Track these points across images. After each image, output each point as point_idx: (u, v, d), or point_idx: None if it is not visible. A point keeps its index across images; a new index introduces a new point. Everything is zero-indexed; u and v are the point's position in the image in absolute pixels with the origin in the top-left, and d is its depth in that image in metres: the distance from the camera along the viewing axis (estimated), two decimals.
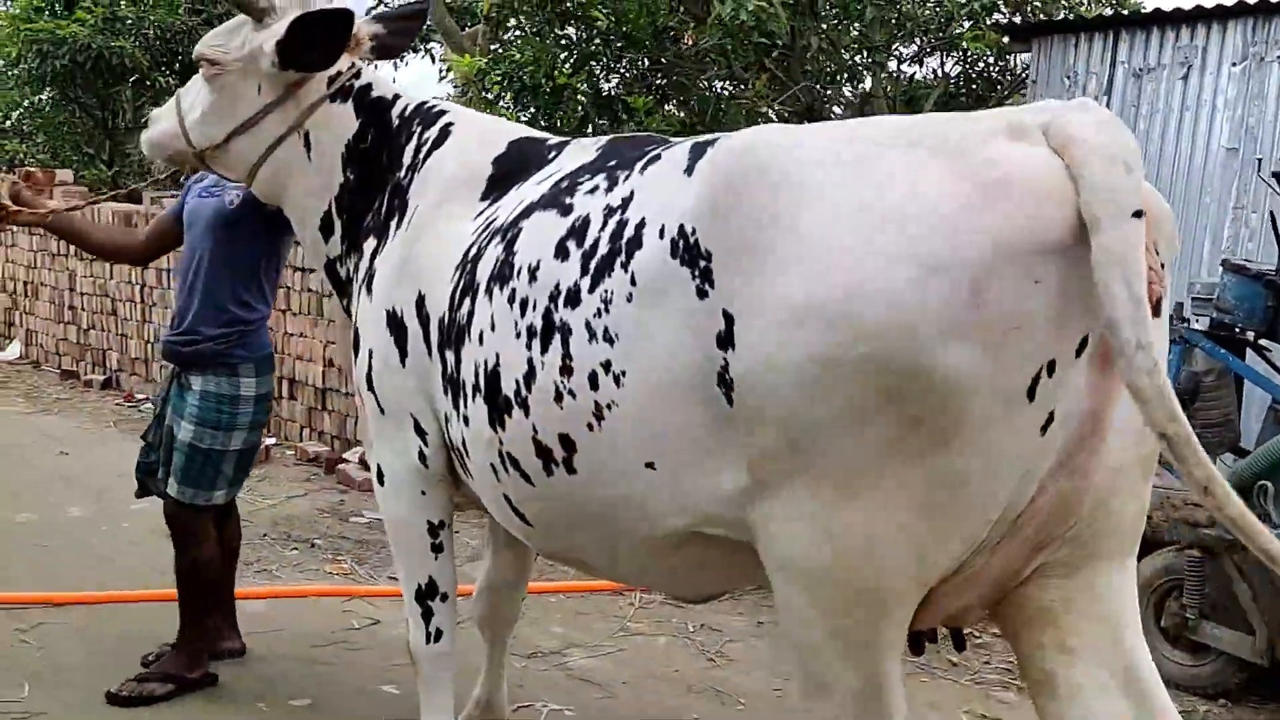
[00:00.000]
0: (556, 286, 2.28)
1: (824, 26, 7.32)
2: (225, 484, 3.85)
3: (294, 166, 3.11)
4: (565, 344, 2.23)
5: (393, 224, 2.91)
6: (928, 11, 8.73)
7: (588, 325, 2.20)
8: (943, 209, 1.80)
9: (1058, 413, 1.85)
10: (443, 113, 3.05)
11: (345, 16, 2.98)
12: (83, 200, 4.14)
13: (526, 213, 2.50)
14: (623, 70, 9.67)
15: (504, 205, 2.67)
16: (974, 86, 9.58)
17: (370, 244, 2.98)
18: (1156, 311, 1.85)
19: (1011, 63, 9.51)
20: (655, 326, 2.10)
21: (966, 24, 9.22)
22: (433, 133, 2.97)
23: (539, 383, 2.28)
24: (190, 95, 3.26)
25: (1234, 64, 6.18)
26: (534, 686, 4.15)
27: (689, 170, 2.17)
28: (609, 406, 2.17)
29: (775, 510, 2.01)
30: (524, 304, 2.33)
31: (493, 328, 2.41)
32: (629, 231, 2.20)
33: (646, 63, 9.76)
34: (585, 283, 2.23)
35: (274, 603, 4.92)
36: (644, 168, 2.32)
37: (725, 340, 1.99)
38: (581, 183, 2.44)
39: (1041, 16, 8.61)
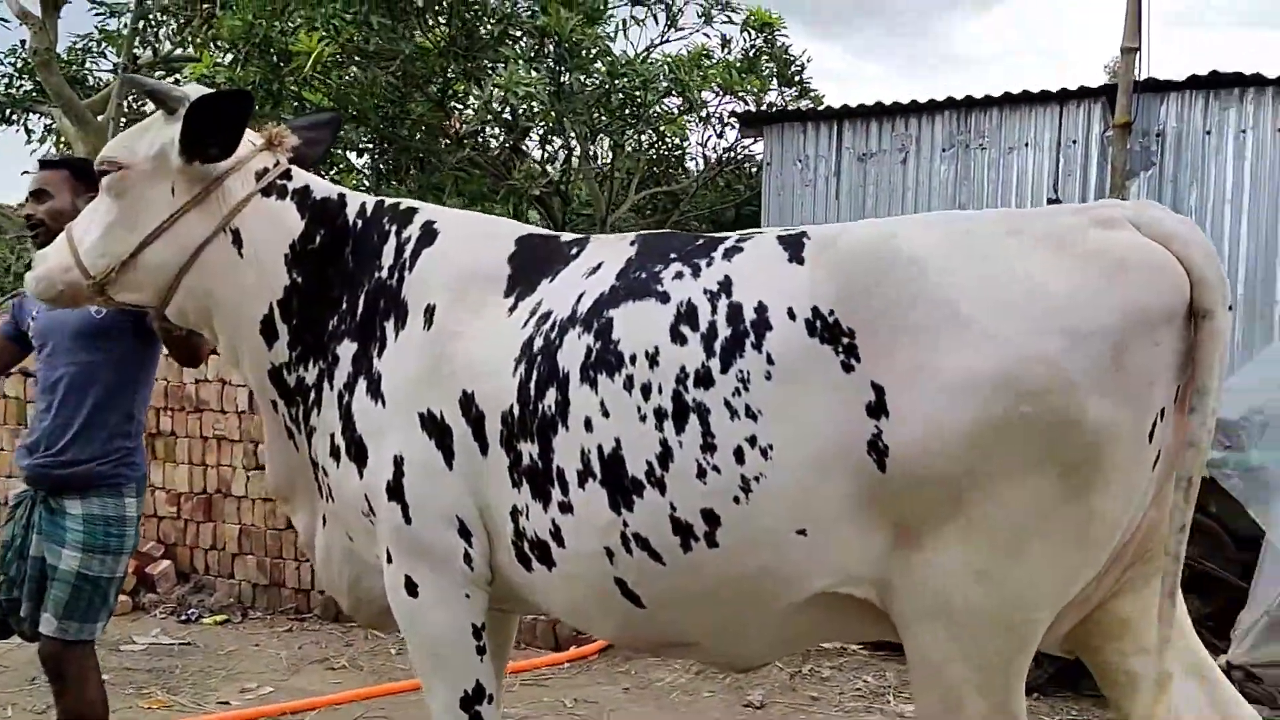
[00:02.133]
0: (682, 369, 2.34)
1: (580, 109, 7.64)
2: (107, 614, 3.50)
3: (224, 269, 2.88)
4: (704, 423, 2.30)
5: (387, 325, 2.79)
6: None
7: (727, 404, 2.28)
8: (1079, 287, 2.13)
9: (1161, 452, 2.22)
10: (414, 210, 2.96)
11: (242, 96, 2.84)
12: None
13: (609, 303, 2.53)
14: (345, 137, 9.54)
15: (549, 298, 2.65)
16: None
17: (348, 348, 2.82)
18: None
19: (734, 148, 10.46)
20: (800, 401, 2.23)
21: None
22: (413, 230, 2.88)
23: (677, 462, 2.32)
24: (82, 224, 2.97)
25: (944, 150, 7.22)
26: None
27: (796, 259, 2.36)
28: (756, 479, 2.28)
29: (925, 562, 2.20)
30: (645, 388, 2.38)
31: (605, 414, 2.43)
32: (749, 315, 2.31)
33: (367, 134, 9.70)
34: (715, 364, 2.31)
35: None
36: (727, 256, 2.45)
37: (876, 409, 2.18)
38: (659, 272, 2.51)
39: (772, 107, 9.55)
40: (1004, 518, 2.15)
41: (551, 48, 7.79)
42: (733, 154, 10.65)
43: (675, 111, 9.62)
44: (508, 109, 7.53)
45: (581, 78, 7.85)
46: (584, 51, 7.85)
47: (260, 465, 6.49)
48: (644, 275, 2.53)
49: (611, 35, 8.44)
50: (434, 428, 2.66)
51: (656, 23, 10.07)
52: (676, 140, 11.68)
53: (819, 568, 2.30)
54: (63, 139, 16.90)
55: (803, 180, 7.60)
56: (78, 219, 3.02)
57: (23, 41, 15.71)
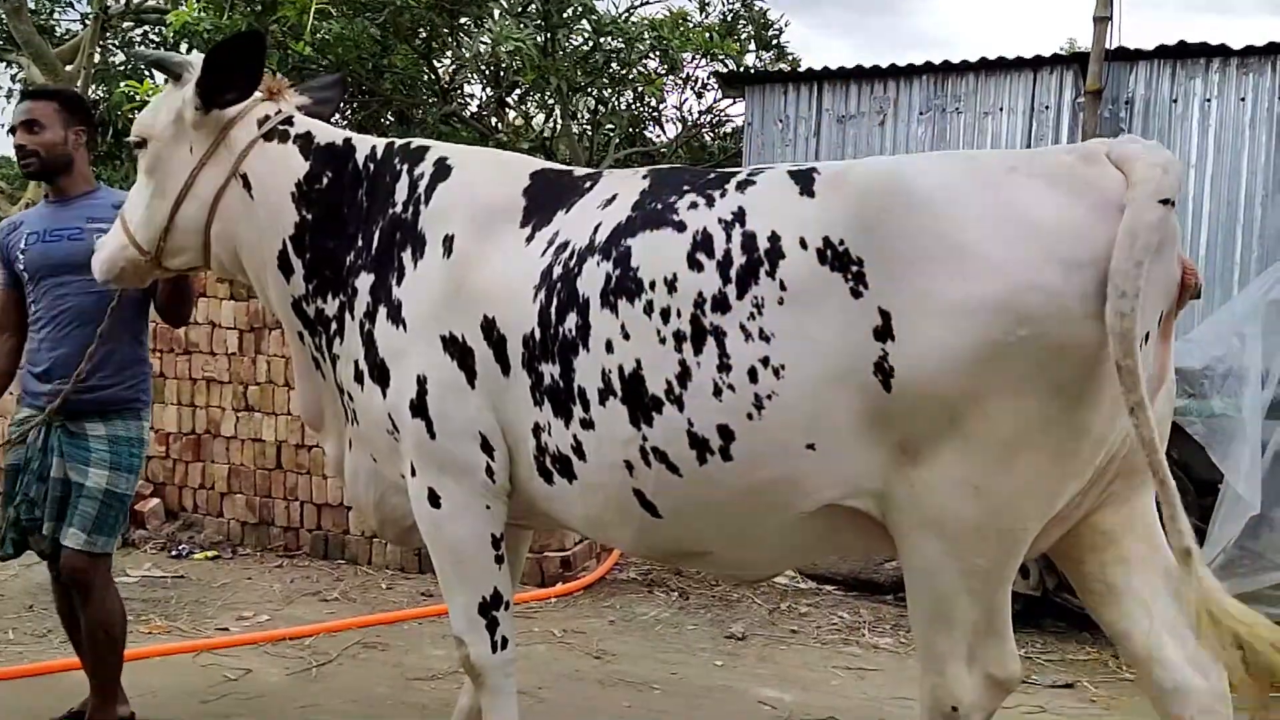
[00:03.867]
0: (700, 295, 2.47)
1: (563, 67, 7.70)
2: (119, 532, 3.66)
3: (239, 212, 3.08)
4: (720, 345, 2.44)
5: (405, 255, 2.92)
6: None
7: (742, 327, 2.42)
8: (1072, 220, 2.28)
9: (1143, 371, 2.38)
10: (426, 148, 3.09)
11: (255, 37, 3.00)
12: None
13: (626, 232, 2.65)
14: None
15: (566, 228, 2.77)
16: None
17: (365, 279, 2.97)
18: (1197, 295, 2.45)
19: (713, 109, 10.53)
20: (810, 325, 2.37)
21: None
22: (426, 167, 3.01)
23: (694, 381, 2.46)
24: (130, 204, 3.19)
25: (921, 113, 7.37)
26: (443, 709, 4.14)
27: (807, 192, 2.49)
28: (769, 397, 2.42)
29: (923, 476, 2.36)
30: (665, 312, 2.51)
31: (625, 336, 2.56)
32: (763, 243, 2.44)
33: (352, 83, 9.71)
34: (731, 290, 2.44)
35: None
36: (740, 188, 2.57)
37: (883, 333, 2.33)
38: (674, 202, 2.63)
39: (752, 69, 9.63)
40: (998, 434, 2.29)
41: (539, 4, 7.81)
42: (710, 115, 10.74)
43: (656, 73, 9.69)
44: (494, 64, 7.54)
45: (570, 36, 7.88)
46: (571, 9, 7.88)
47: (249, 406, 6.57)
48: (659, 206, 2.65)
49: None
50: (456, 349, 2.79)
51: None
52: (653, 102, 11.77)
53: (826, 481, 2.45)
54: (30, 87, 16.69)
55: (783, 140, 7.73)
56: (126, 202, 3.21)
57: None
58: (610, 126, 10.94)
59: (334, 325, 3.04)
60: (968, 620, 2.44)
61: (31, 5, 15.18)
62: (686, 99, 10.86)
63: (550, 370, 2.68)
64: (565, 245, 2.74)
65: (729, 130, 10.73)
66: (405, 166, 3.03)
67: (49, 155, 3.58)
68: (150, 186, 3.11)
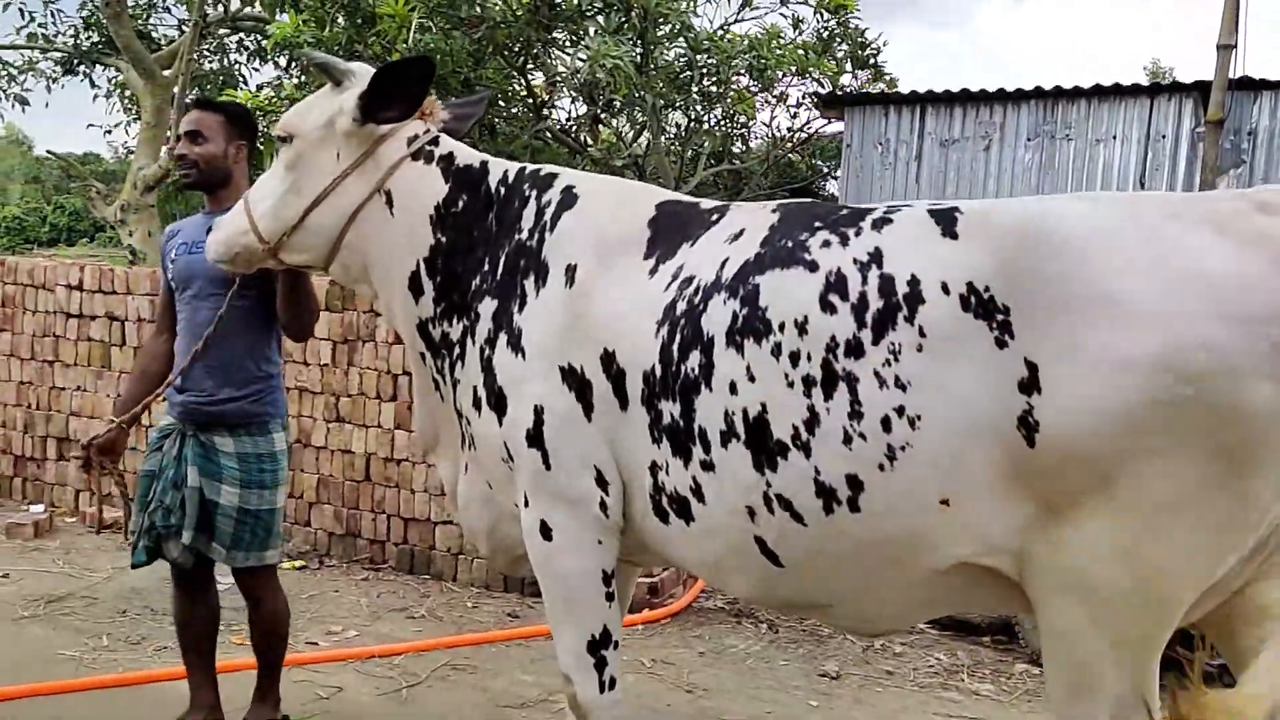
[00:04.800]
0: (832, 339, 2.42)
1: (657, 84, 7.70)
2: (277, 539, 3.76)
3: (377, 227, 3.10)
4: (853, 391, 2.38)
5: (528, 283, 2.92)
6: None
7: (876, 374, 2.36)
8: (1243, 272, 2.17)
9: None
10: (554, 175, 3.10)
11: (426, 62, 3.05)
12: (128, 414, 3.69)
13: (755, 270, 2.60)
14: None
15: (691, 263, 2.74)
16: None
17: (489, 304, 2.97)
18: None
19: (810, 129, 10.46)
20: (950, 374, 2.30)
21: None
22: (553, 195, 3.02)
23: (823, 428, 2.41)
24: (258, 190, 3.22)
25: (1028, 139, 7.21)
26: None
27: (949, 233, 2.41)
28: (903, 448, 2.35)
29: (1067, 536, 2.26)
30: (794, 356, 2.46)
31: (751, 378, 2.51)
32: (901, 287, 2.37)
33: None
34: (866, 335, 2.38)
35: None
36: (876, 227, 2.51)
37: (1029, 386, 2.24)
38: (805, 240, 2.58)
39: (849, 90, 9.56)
40: (1153, 497, 2.19)
41: (636, 20, 7.81)
42: (802, 134, 10.64)
43: (749, 91, 9.64)
44: (590, 81, 7.56)
45: (664, 52, 7.88)
46: (668, 26, 7.87)
47: (340, 418, 6.64)
48: (789, 243, 2.60)
49: (695, 11, 8.47)
50: (574, 381, 2.78)
51: (729, 2, 10.07)
52: (744, 119, 11.71)
53: (960, 537, 2.37)
54: (129, 92, 17.21)
55: (883, 163, 7.64)
56: (254, 187, 3.25)
57: None
58: (701, 143, 10.91)
59: (456, 349, 3.05)
60: (1112, 693, 2.33)
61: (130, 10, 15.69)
62: (776, 117, 10.82)
63: (670, 408, 2.65)
64: (690, 280, 2.71)
65: (819, 147, 10.63)
66: (534, 193, 3.04)
67: (208, 167, 3.66)
68: (286, 181, 3.13)
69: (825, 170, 12.54)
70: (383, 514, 6.51)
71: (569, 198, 3.00)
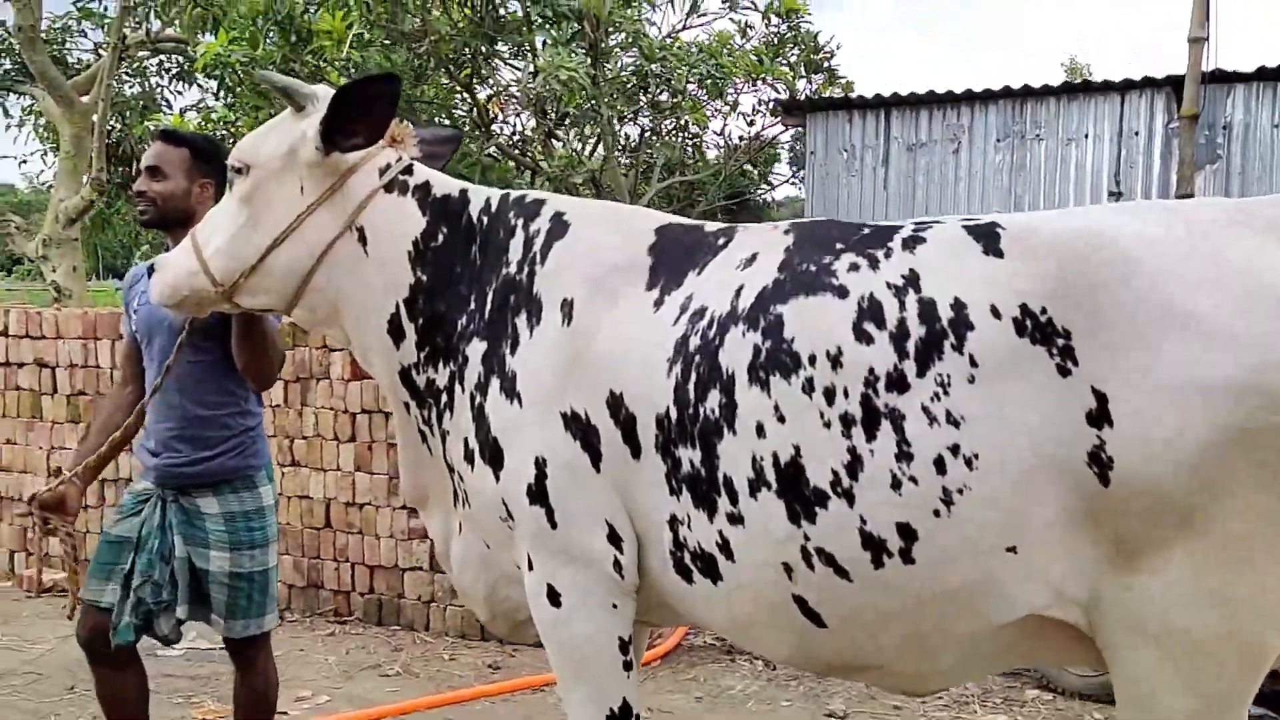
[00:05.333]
0: (871, 372, 2.23)
1: (611, 95, 7.50)
2: (272, 603, 3.55)
3: (350, 267, 2.85)
4: (898, 430, 2.19)
5: (519, 321, 2.71)
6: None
7: (924, 410, 2.17)
8: None
9: None
10: (541, 201, 2.88)
11: (390, 80, 2.80)
12: (80, 466, 3.42)
13: (776, 298, 2.41)
14: None
15: (701, 292, 2.53)
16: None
17: (477, 346, 2.75)
18: None
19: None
20: (1008, 407, 2.11)
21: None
22: (542, 223, 2.80)
23: (867, 471, 2.22)
24: (208, 226, 2.94)
25: (998, 140, 7.13)
26: None
27: (992, 251, 2.23)
28: (960, 491, 2.15)
29: (1144, 582, 2.08)
30: (828, 392, 2.26)
31: (780, 418, 2.32)
32: (945, 312, 2.19)
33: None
34: (909, 367, 2.20)
35: None
36: (908, 247, 2.32)
37: (1098, 418, 2.06)
38: (830, 263, 2.39)
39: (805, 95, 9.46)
40: (1239, 534, 2.02)
41: (589, 29, 7.62)
42: (757, 141, 10.52)
43: (701, 100, 9.50)
44: (542, 95, 7.36)
45: (617, 62, 7.70)
46: (621, 35, 7.69)
47: (295, 462, 6.34)
48: (812, 267, 2.41)
49: (649, 20, 8.31)
50: (578, 427, 2.56)
51: (674, 9, 9.94)
52: (696, 129, 11.57)
53: (1028, 588, 2.18)
54: (44, 119, 16.63)
55: (848, 170, 7.52)
56: (202, 223, 2.98)
57: (1, 21, 15.40)
58: (651, 153, 10.76)
59: (444, 397, 2.82)
60: None
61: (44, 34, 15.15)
62: (728, 126, 10.72)
63: (689, 455, 2.43)
64: (702, 311, 2.50)
65: (771, 156, 10.52)
66: (520, 221, 2.82)
67: (166, 205, 3.42)
68: (241, 216, 2.86)
69: (763, 176, 12.39)
70: (346, 562, 6.22)
71: (559, 225, 2.78)
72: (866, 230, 2.45)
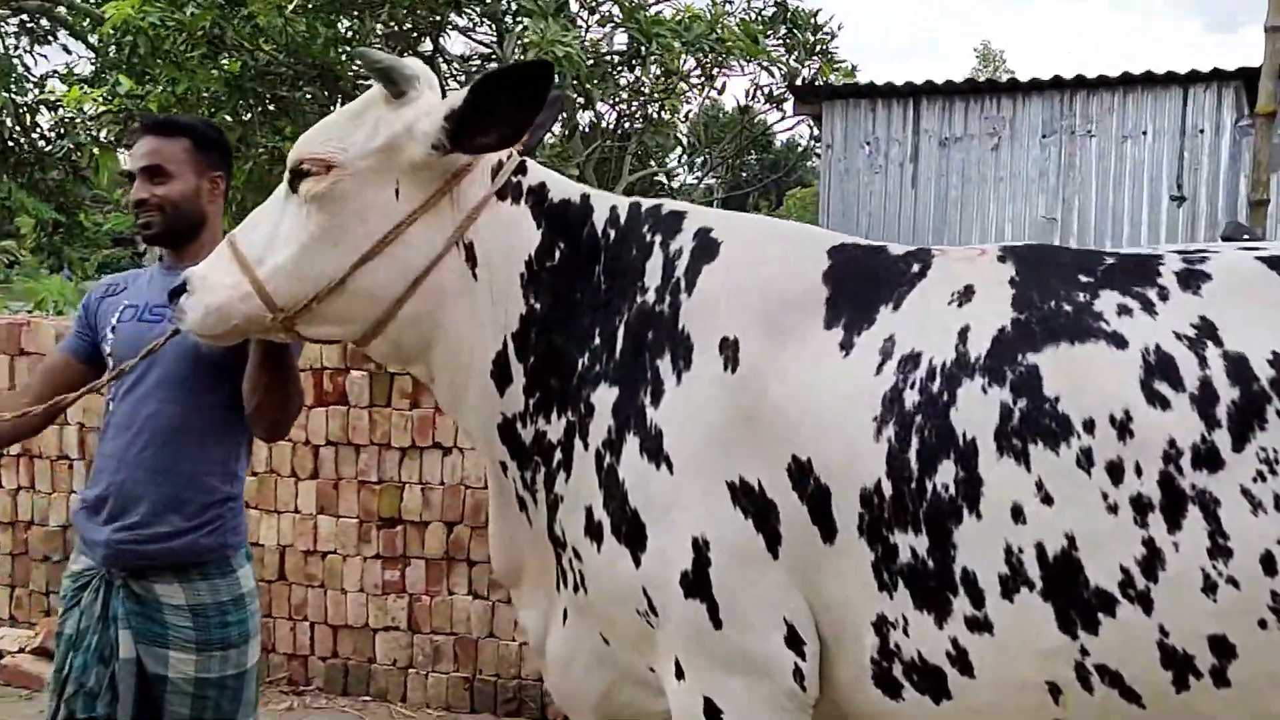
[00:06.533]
0: (1171, 444, 1.95)
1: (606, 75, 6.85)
2: (250, 709, 2.95)
3: (453, 294, 2.41)
4: (1211, 518, 1.93)
5: (662, 365, 2.28)
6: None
7: (1245, 493, 1.91)
8: None
9: None
10: (681, 214, 2.44)
11: (547, 71, 2.29)
12: None
13: (1023, 344, 2.08)
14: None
15: (905, 333, 2.17)
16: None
17: (606, 394, 2.33)
18: None
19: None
20: None
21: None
22: (684, 241, 2.38)
23: (1170, 570, 1.95)
24: (259, 237, 2.42)
25: (1043, 136, 6.62)
26: None
27: None
28: None
29: None
30: (1114, 468, 1.97)
31: (1046, 499, 2.01)
32: (1262, 369, 1.95)
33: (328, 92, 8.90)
34: (1221, 438, 1.93)
35: None
36: (1187, 284, 2.06)
37: None
38: (1088, 303, 2.08)
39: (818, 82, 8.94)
40: None
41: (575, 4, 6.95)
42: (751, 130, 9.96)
43: (693, 77, 8.89)
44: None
45: (612, 40, 7.07)
46: (613, 7, 7.04)
47: (244, 504, 5.55)
48: (1064, 306, 2.11)
49: None
50: (751, 502, 2.21)
51: None
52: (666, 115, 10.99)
53: None
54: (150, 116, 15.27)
55: (870, 166, 6.96)
56: (245, 227, 2.48)
57: None
58: (617, 145, 10.17)
59: (557, 454, 2.40)
60: None
61: None
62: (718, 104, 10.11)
63: (911, 542, 2.10)
64: (915, 358, 2.16)
65: (761, 148, 9.97)
66: (656, 238, 2.40)
67: (177, 212, 2.84)
68: (313, 227, 2.37)
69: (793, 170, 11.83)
70: (304, 621, 5.48)
71: (707, 244, 2.36)
72: (1111, 260, 2.17)
